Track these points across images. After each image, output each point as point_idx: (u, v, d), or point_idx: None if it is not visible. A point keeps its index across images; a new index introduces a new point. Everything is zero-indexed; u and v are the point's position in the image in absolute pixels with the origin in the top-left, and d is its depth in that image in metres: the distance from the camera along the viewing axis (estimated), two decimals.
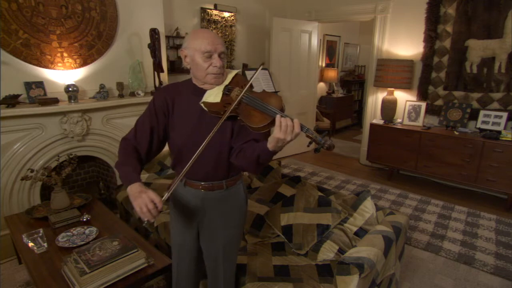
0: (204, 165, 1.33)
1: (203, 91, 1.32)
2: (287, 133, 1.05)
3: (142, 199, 1.10)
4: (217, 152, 1.32)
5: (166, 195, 1.15)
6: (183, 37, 3.97)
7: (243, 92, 1.21)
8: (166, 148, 1.46)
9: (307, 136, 1.08)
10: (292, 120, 1.06)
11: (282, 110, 1.15)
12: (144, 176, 3.01)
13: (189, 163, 1.17)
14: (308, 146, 1.13)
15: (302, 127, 1.08)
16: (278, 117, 1.07)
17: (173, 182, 1.18)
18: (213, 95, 1.29)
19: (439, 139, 3.71)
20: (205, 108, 1.28)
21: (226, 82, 1.33)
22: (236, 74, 1.37)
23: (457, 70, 3.82)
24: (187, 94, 1.36)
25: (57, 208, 2.28)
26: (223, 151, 1.33)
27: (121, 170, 1.25)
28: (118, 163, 1.29)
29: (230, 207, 1.44)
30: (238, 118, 1.24)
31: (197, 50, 1.26)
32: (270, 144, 1.11)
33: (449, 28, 3.80)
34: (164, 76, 3.47)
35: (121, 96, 3.08)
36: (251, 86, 1.27)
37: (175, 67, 3.94)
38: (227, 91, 1.29)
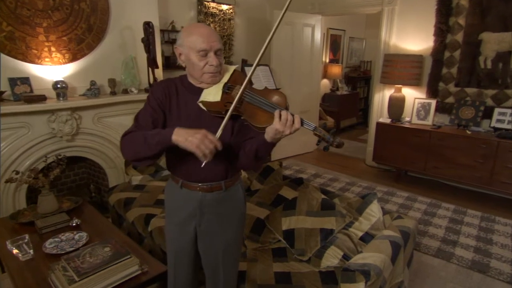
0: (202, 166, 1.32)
1: (200, 90, 1.31)
2: (287, 126, 1.09)
3: (197, 139, 1.09)
4: (217, 152, 1.31)
5: (219, 132, 1.15)
6: (178, 31, 3.96)
7: (242, 90, 1.21)
8: None
9: (315, 135, 1.12)
10: (293, 115, 1.10)
11: (286, 108, 1.17)
12: (138, 178, 3.00)
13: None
14: (317, 144, 1.18)
15: (307, 124, 1.10)
16: (278, 110, 1.11)
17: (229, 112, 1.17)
18: (212, 94, 1.28)
19: (450, 139, 3.70)
20: (204, 108, 1.28)
21: (225, 79, 1.33)
22: (235, 71, 1.37)
23: (469, 65, 3.81)
24: (183, 91, 1.35)
25: (44, 212, 2.27)
26: (222, 151, 1.31)
27: (149, 138, 1.18)
28: (137, 144, 1.21)
29: (229, 209, 1.44)
30: (242, 117, 1.25)
31: (192, 49, 1.25)
32: (268, 135, 1.13)
33: (461, 21, 3.79)
34: (159, 72, 3.46)
35: (113, 93, 3.08)
36: (251, 83, 1.28)
37: (170, 62, 3.93)
38: (227, 89, 1.29)
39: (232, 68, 1.38)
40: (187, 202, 1.42)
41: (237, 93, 1.24)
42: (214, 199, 1.40)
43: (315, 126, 1.11)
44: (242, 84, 1.26)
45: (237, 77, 1.34)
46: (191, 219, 1.44)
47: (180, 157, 1.34)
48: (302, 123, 1.11)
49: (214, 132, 1.18)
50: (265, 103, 1.18)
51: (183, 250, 1.50)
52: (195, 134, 1.10)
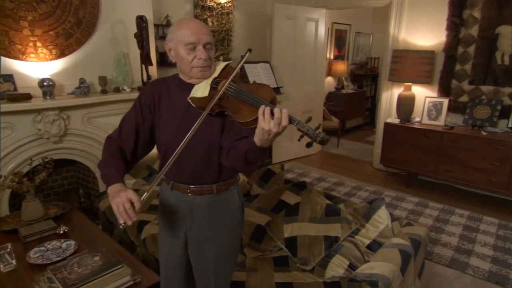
0: (191, 164, 1.34)
1: (190, 86, 1.35)
2: (272, 124, 1.06)
3: (120, 198, 1.14)
4: (206, 151, 1.34)
5: (145, 195, 1.19)
6: None
7: (226, 84, 1.23)
8: (155, 151, 1.47)
9: (298, 129, 1.10)
10: (280, 110, 1.08)
11: (272, 102, 1.17)
12: (131, 182, 3.00)
13: (169, 161, 1.19)
14: (299, 140, 1.16)
15: (291, 119, 1.09)
16: (262, 106, 1.10)
17: (153, 181, 1.21)
18: (201, 90, 1.32)
19: (463, 140, 3.69)
20: (193, 104, 1.31)
21: (215, 74, 1.36)
22: (226, 66, 1.40)
23: (485, 61, 3.80)
24: (174, 89, 1.39)
25: (29, 219, 2.27)
26: (212, 150, 1.34)
27: (103, 171, 1.29)
28: (100, 164, 1.33)
29: (221, 216, 1.43)
30: (226, 113, 1.26)
31: (180, 42, 1.29)
32: (256, 137, 1.12)
33: (476, 14, 3.79)
34: (153, 70, 3.47)
35: (104, 92, 3.08)
36: (241, 77, 1.28)
37: (165, 59, 3.93)
38: (214, 85, 1.32)
39: (223, 64, 1.41)
40: (177, 205, 1.43)
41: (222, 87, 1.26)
42: (205, 203, 1.40)
43: (298, 121, 1.10)
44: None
45: (229, 72, 1.36)
46: (180, 223, 1.44)
47: (169, 158, 1.34)
48: (291, 119, 1.09)
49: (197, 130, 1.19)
50: (249, 96, 1.19)
51: (173, 257, 1.50)
52: (119, 193, 1.17)
